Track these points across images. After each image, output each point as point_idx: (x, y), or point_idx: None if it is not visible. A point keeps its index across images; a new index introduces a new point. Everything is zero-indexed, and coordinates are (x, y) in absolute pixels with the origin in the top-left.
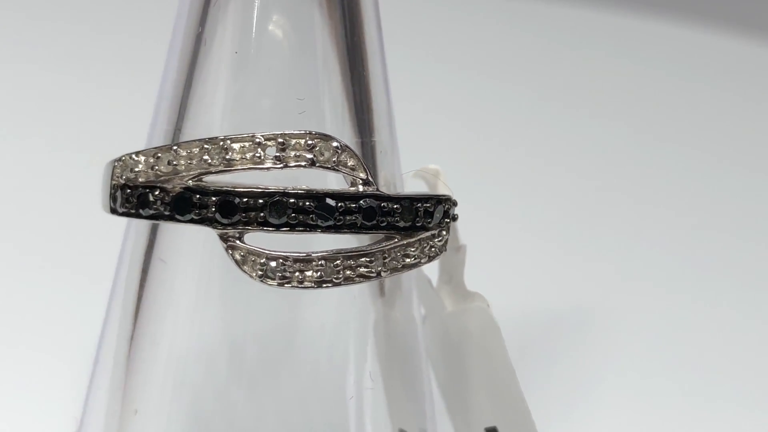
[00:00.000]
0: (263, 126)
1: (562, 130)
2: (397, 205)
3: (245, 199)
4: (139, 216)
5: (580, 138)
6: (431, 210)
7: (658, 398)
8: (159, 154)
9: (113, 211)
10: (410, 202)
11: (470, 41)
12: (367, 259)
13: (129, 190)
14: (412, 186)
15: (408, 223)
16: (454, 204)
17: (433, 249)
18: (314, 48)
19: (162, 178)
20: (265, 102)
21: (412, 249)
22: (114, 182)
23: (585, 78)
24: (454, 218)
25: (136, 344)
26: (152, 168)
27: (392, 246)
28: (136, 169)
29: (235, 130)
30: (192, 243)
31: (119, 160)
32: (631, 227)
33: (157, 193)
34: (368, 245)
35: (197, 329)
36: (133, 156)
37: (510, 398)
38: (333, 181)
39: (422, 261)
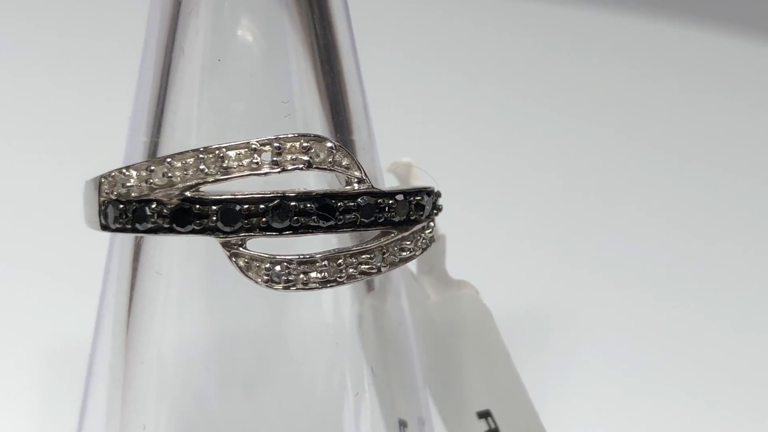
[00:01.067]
0: (239, 131)
1: (549, 130)
2: (392, 201)
3: (246, 206)
4: (135, 231)
5: (566, 137)
6: (423, 203)
7: (650, 386)
8: (152, 167)
9: (105, 227)
10: (404, 196)
11: (455, 40)
12: (368, 256)
13: (122, 206)
14: (389, 181)
15: (403, 218)
16: (438, 195)
17: (425, 240)
18: (286, 50)
19: (157, 191)
20: (239, 106)
21: (408, 242)
22: (103, 198)
23: (573, 77)
24: (440, 209)
25: (131, 356)
26: (146, 181)
27: (390, 241)
28: (128, 184)
29: (212, 138)
30: (178, 251)
31: (106, 176)
32: (617, 227)
33: (153, 206)
34: (367, 242)
35: (186, 336)
36: (124, 171)
37: (506, 380)
38: (312, 182)
39: (417, 253)
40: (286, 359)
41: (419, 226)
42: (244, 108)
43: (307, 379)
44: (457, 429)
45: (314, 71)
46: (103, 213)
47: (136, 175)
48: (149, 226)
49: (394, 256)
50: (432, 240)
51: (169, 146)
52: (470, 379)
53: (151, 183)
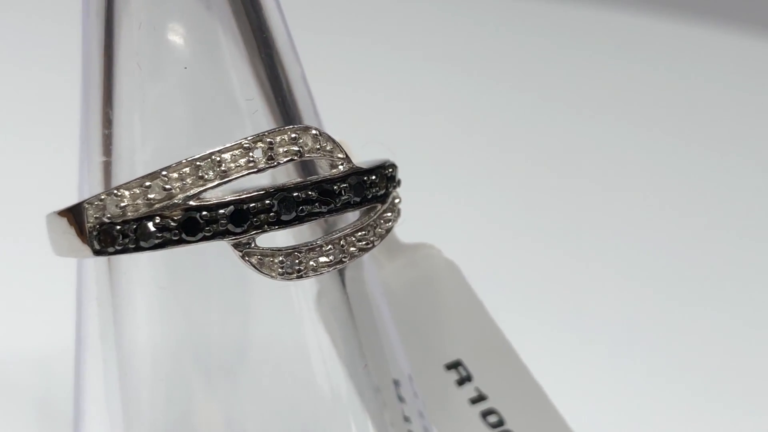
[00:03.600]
0: (183, 135)
1: (546, 123)
2: (375, 176)
3: (252, 204)
4: (139, 249)
5: (564, 130)
6: (394, 174)
7: (651, 383)
8: (147, 183)
9: (100, 252)
10: (380, 170)
11: (450, 34)
12: (363, 233)
13: (119, 227)
14: None
15: (383, 191)
16: (395, 166)
17: (398, 209)
18: (221, 51)
19: (156, 205)
20: (180, 110)
21: (389, 213)
22: (91, 224)
23: (571, 72)
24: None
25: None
26: (144, 197)
27: (377, 215)
28: (122, 205)
29: (163, 150)
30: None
31: (91, 202)
32: (617, 222)
33: (157, 221)
34: (359, 220)
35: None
36: (115, 192)
37: (480, 327)
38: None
39: (395, 222)
40: (260, 344)
41: (392, 197)
42: (184, 112)
43: (290, 371)
44: (427, 386)
45: (252, 65)
46: (96, 238)
47: (129, 194)
48: (156, 241)
49: (381, 228)
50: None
51: (118, 165)
52: (437, 335)
53: (149, 199)
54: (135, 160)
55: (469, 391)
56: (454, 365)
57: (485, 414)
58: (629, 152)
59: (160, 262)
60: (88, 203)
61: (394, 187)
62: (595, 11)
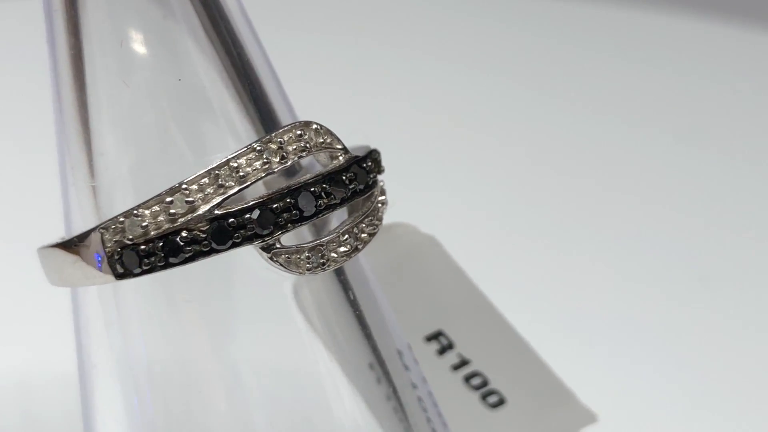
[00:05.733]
0: (153, 141)
1: (546, 121)
2: (369, 162)
3: (275, 205)
4: (168, 266)
5: (565, 129)
6: (379, 159)
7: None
8: (168, 199)
9: (123, 275)
10: (372, 156)
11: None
12: (370, 218)
13: (143, 246)
14: None
15: (375, 176)
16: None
17: (384, 191)
18: (190, 59)
19: (180, 219)
20: (149, 118)
21: (382, 197)
22: (110, 248)
23: (571, 70)
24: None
25: None
26: (166, 213)
27: (376, 200)
28: (144, 224)
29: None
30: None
31: (107, 227)
32: (617, 221)
33: (184, 234)
34: (364, 206)
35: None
36: (134, 212)
37: (466, 294)
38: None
39: (387, 204)
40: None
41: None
42: (153, 118)
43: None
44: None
45: (223, 76)
46: (118, 262)
47: (150, 213)
48: (186, 255)
49: (380, 212)
50: None
51: (103, 187)
52: (418, 310)
53: (171, 214)
54: (115, 177)
55: (451, 358)
56: (435, 336)
57: (468, 378)
58: (629, 144)
59: (178, 277)
60: (103, 228)
61: (381, 172)
62: (594, 8)
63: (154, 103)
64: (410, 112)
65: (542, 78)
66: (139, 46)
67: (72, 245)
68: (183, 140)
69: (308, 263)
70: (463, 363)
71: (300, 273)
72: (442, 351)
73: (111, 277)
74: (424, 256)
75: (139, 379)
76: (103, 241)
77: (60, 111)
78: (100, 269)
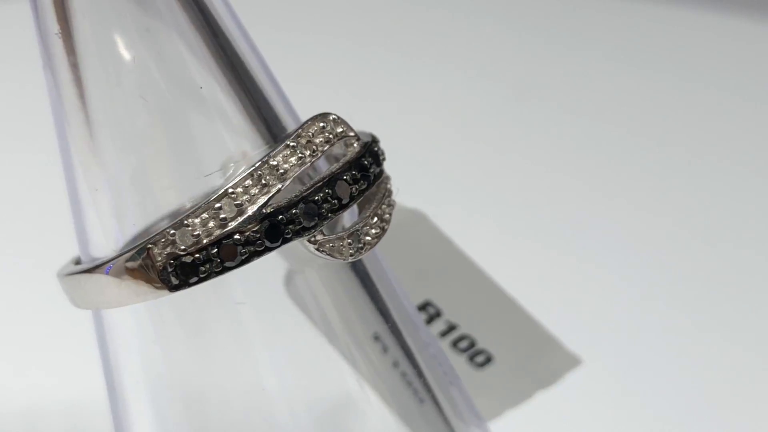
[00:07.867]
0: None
1: (546, 124)
2: (377, 147)
3: (316, 197)
4: (224, 271)
5: (564, 130)
6: (379, 141)
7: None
8: (217, 205)
9: (177, 287)
10: (374, 139)
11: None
12: (389, 199)
13: (198, 255)
14: None
15: (384, 158)
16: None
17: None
18: (187, 70)
19: (231, 224)
20: (140, 121)
21: (389, 180)
22: (161, 262)
23: (570, 70)
24: None
25: None
26: (216, 219)
27: (388, 182)
28: (196, 233)
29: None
30: None
31: (156, 241)
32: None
33: (237, 237)
34: (379, 189)
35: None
36: (185, 222)
37: (454, 262)
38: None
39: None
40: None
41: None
42: (144, 122)
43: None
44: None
45: (220, 82)
46: (172, 274)
47: (200, 221)
48: (242, 258)
49: (390, 196)
50: None
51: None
52: (406, 284)
53: (222, 219)
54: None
55: (438, 326)
56: (423, 306)
57: (455, 342)
58: (629, 143)
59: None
60: (152, 243)
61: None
62: (594, 8)
63: (148, 107)
64: (409, 112)
65: (542, 78)
66: (125, 51)
67: (114, 266)
68: (182, 143)
69: (351, 249)
70: (451, 328)
71: (344, 259)
72: (430, 320)
73: (165, 291)
74: (414, 229)
75: (174, 396)
76: (151, 256)
77: (62, 129)
78: (149, 284)
